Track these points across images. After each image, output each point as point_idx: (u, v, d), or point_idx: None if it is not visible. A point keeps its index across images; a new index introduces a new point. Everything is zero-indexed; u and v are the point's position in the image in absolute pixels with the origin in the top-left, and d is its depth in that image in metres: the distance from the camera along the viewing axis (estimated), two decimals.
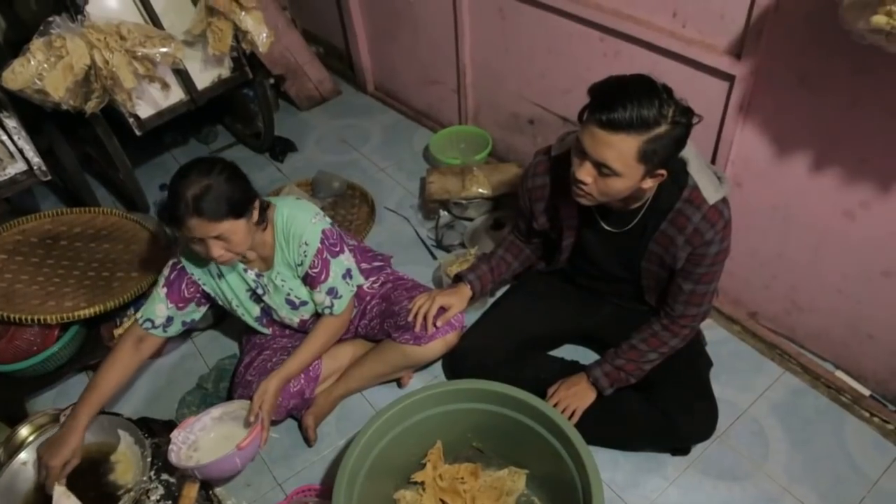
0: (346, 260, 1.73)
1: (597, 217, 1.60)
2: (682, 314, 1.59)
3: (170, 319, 1.71)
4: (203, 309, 1.79)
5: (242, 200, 1.49)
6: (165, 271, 1.71)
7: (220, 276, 1.72)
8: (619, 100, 1.24)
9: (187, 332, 2.19)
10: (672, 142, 1.29)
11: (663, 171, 1.35)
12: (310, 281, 1.70)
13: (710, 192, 1.43)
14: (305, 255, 1.66)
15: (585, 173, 1.36)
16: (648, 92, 1.25)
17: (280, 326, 1.89)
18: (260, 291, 1.74)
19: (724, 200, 1.45)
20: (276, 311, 1.78)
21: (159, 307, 1.69)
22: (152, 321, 1.69)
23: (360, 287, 1.86)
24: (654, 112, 1.24)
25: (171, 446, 1.59)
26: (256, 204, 1.55)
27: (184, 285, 1.70)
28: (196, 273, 1.71)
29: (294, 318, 1.80)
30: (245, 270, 1.71)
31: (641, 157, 1.28)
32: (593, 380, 1.65)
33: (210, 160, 1.51)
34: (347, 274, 1.73)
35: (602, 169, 1.33)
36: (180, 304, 1.70)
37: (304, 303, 1.76)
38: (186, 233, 1.47)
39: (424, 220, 2.53)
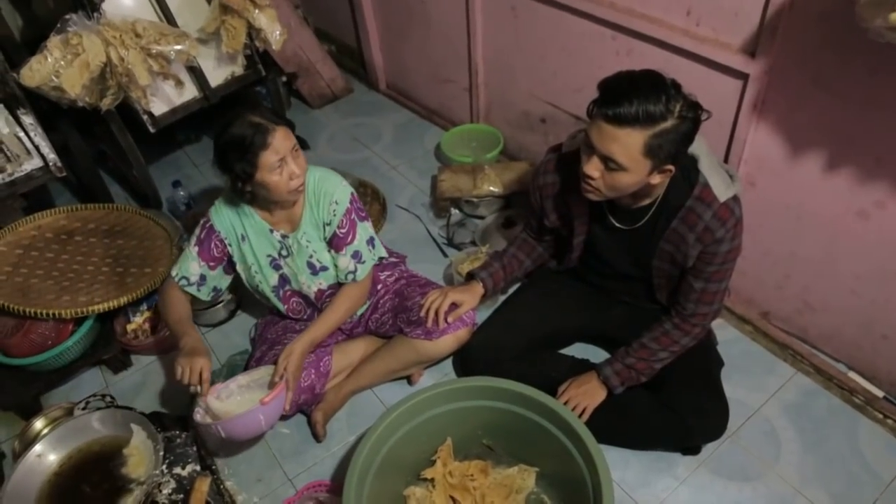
0: (370, 228, 1.80)
1: (607, 214, 1.60)
2: (693, 313, 1.58)
3: (203, 278, 1.79)
4: (228, 278, 1.86)
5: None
6: (197, 230, 1.78)
7: (245, 238, 1.76)
8: (625, 95, 1.25)
9: (199, 327, 2.20)
10: (679, 137, 1.29)
11: (671, 167, 1.35)
12: (336, 242, 1.74)
13: (721, 190, 1.42)
14: (335, 214, 1.71)
15: (593, 167, 1.37)
16: (655, 87, 1.26)
17: (297, 301, 1.89)
18: (284, 253, 1.77)
19: (736, 198, 1.45)
20: (296, 275, 1.80)
21: (192, 265, 1.77)
22: (187, 279, 1.78)
23: (376, 274, 1.89)
24: (661, 107, 1.25)
25: (196, 408, 1.62)
26: None
27: (212, 244, 1.76)
28: (223, 231, 1.76)
29: (312, 286, 1.82)
30: (271, 231, 1.75)
31: (647, 152, 1.29)
32: (604, 378, 1.64)
33: (246, 106, 1.59)
34: (371, 241, 1.79)
35: (609, 163, 1.34)
36: (211, 264, 1.78)
37: (324, 268, 1.79)
38: (269, 157, 1.53)
39: (436, 218, 2.54)
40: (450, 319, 1.76)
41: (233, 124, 1.53)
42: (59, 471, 1.67)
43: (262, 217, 1.74)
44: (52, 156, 2.10)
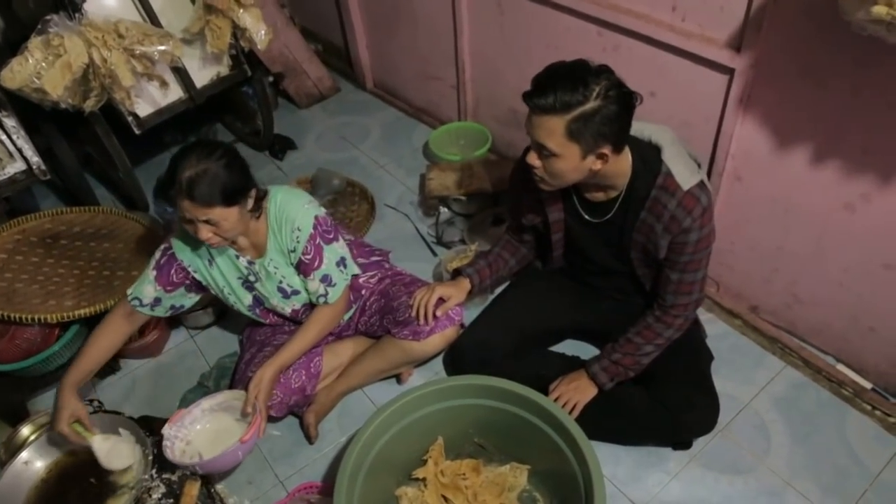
0: (341, 248, 1.73)
1: (579, 209, 1.61)
2: (673, 304, 1.59)
3: (157, 300, 1.72)
4: (193, 296, 1.80)
5: (237, 189, 1.50)
6: (157, 255, 1.72)
7: (212, 262, 1.72)
8: (545, 85, 1.31)
9: (187, 329, 2.19)
10: (604, 119, 1.31)
11: (606, 151, 1.37)
12: (303, 268, 1.69)
13: (685, 178, 1.43)
14: (298, 241, 1.66)
15: (532, 157, 1.43)
16: (574, 74, 1.31)
17: (275, 315, 1.87)
18: (252, 279, 1.74)
19: (702, 185, 1.44)
20: (268, 299, 1.77)
21: (147, 288, 1.70)
22: (140, 300, 1.70)
23: (357, 280, 1.85)
24: (578, 95, 1.29)
25: (164, 442, 1.59)
26: (252, 193, 1.56)
27: (172, 270, 1.71)
28: (186, 259, 1.71)
29: (286, 308, 1.79)
30: (237, 257, 1.71)
31: (570, 136, 1.33)
32: (592, 374, 1.65)
33: (213, 144, 1.52)
34: (342, 262, 1.73)
35: (542, 151, 1.39)
36: (168, 288, 1.72)
37: (295, 292, 1.76)
38: (178, 211, 1.49)
39: (424, 217, 2.53)
40: (438, 313, 1.75)
41: (177, 162, 1.47)
42: (46, 477, 1.66)
43: None
44: (35, 159, 2.08)
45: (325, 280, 1.70)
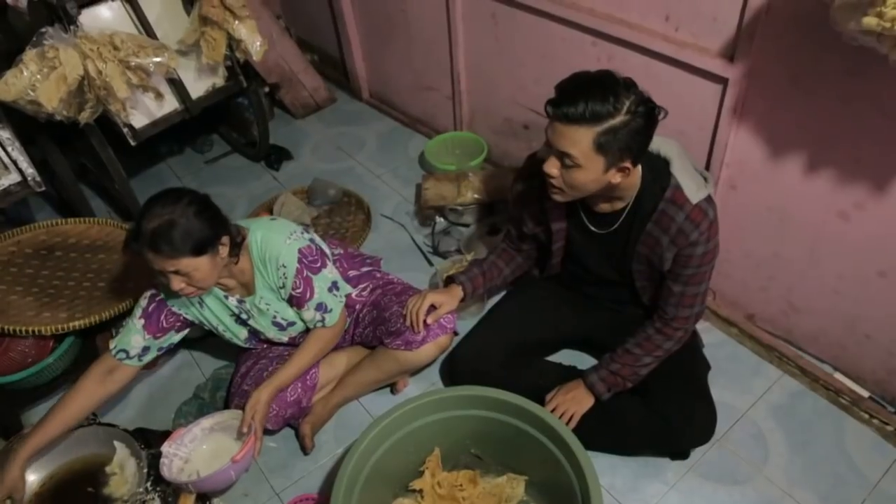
0: (330, 273, 1.70)
1: (584, 219, 1.61)
2: (674, 316, 1.59)
3: (146, 349, 1.67)
4: (183, 333, 1.75)
5: (206, 238, 1.46)
6: (143, 302, 1.67)
7: (202, 304, 1.69)
8: (574, 94, 1.30)
9: (183, 342, 2.18)
10: (631, 133, 1.31)
11: (628, 165, 1.37)
12: (296, 301, 1.67)
13: (693, 191, 1.43)
14: (286, 277, 1.63)
15: (551, 165, 1.41)
16: (604, 86, 1.30)
17: (274, 344, 1.87)
18: (244, 317, 1.72)
19: (709, 199, 1.45)
20: (264, 332, 1.77)
21: (135, 338, 1.64)
22: (127, 352, 1.65)
23: (350, 296, 1.85)
24: (608, 106, 1.28)
25: (162, 459, 1.58)
26: (226, 240, 1.52)
27: (163, 316, 1.66)
28: (176, 304, 1.67)
29: (283, 338, 1.79)
30: (226, 297, 1.68)
31: (598, 148, 1.32)
32: (589, 385, 1.64)
33: (179, 192, 1.48)
34: (334, 287, 1.71)
35: (565, 160, 1.37)
36: (158, 334, 1.67)
37: (291, 323, 1.75)
38: (148, 263, 1.46)
39: (420, 227, 2.53)
40: (429, 321, 1.73)
41: (142, 212, 1.44)
42: (39, 491, 1.65)
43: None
44: (30, 170, 2.07)
45: (321, 308, 1.69)
